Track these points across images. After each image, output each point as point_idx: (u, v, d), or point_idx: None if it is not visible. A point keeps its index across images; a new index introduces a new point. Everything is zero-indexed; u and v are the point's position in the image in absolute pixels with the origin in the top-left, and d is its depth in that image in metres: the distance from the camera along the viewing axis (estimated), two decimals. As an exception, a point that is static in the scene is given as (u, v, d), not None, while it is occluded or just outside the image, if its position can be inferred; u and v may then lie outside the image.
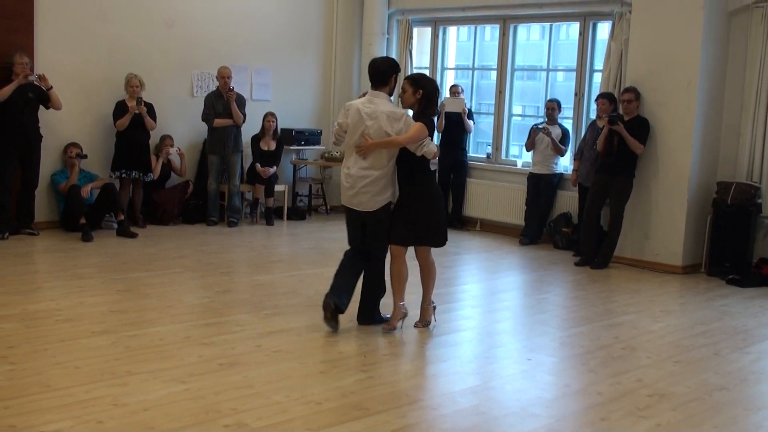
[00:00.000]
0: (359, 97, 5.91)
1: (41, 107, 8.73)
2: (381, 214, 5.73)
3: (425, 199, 5.74)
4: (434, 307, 6.02)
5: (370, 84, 5.81)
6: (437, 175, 10.85)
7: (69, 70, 9.17)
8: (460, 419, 4.28)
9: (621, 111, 8.60)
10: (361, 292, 5.90)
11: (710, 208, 8.52)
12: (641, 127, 8.44)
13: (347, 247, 5.96)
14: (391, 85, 5.76)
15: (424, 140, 5.60)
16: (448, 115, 10.53)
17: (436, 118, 5.99)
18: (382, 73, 5.70)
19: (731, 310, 7.07)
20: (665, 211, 8.55)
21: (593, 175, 8.77)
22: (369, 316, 5.91)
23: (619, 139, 8.39)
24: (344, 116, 5.73)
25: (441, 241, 5.87)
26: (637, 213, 8.72)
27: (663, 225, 8.58)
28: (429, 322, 5.96)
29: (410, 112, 5.82)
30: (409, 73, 5.99)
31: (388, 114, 5.60)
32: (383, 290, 5.97)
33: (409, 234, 5.75)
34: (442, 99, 10.91)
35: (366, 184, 5.65)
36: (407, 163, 5.70)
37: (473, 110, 11.10)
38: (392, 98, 5.87)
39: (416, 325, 5.93)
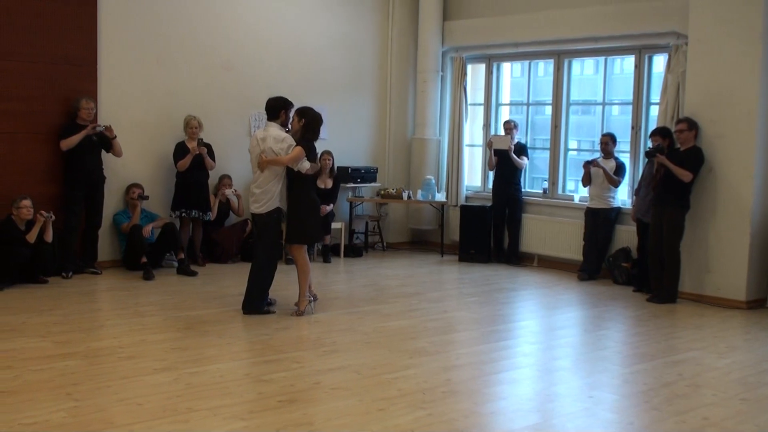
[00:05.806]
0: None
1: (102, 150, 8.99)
2: (266, 219, 7.13)
3: (297, 205, 7.19)
4: (312, 300, 7.36)
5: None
6: (491, 210, 10.86)
7: (131, 113, 9.41)
8: (521, 458, 4.23)
9: (677, 143, 8.50)
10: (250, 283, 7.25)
11: (774, 241, 8.33)
12: (691, 156, 8.31)
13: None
14: (282, 118, 7.23)
15: (302, 160, 7.01)
16: (498, 152, 10.57)
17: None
18: (273, 108, 7.22)
19: (799, 345, 6.87)
20: (726, 244, 8.37)
21: (651, 209, 8.66)
22: (258, 305, 7.25)
23: (665, 170, 8.29)
24: (250, 145, 7.28)
25: (305, 240, 7.31)
26: (696, 247, 8.55)
27: (724, 259, 8.39)
28: (302, 312, 7.22)
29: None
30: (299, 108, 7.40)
31: (275, 137, 7.07)
32: (269, 282, 7.32)
33: (288, 233, 7.25)
34: (489, 137, 11.03)
35: (259, 195, 7.10)
36: (289, 176, 7.16)
37: (528, 146, 11.06)
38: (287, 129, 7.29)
39: (293, 313, 7.23)
